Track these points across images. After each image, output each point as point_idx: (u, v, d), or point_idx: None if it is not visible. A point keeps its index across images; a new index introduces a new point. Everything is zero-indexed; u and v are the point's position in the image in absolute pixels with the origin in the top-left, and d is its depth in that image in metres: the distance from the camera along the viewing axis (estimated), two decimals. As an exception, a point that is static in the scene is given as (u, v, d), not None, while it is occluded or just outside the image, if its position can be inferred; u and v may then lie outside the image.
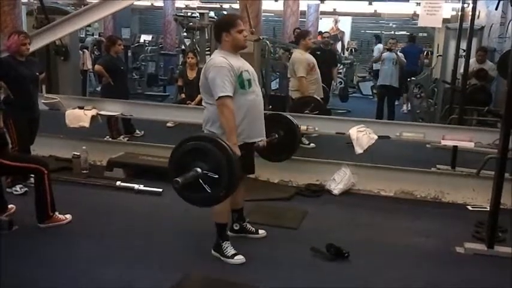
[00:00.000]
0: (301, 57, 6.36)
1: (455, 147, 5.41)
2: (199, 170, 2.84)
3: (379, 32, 17.25)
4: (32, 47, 4.73)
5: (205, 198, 2.92)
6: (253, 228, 3.82)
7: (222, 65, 3.18)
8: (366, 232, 4.09)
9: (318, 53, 9.08)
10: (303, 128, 5.17)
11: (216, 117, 3.23)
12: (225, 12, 16.02)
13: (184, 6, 16.34)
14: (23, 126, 4.51)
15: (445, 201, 4.89)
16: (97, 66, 6.90)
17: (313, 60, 6.52)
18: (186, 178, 2.79)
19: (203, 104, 3.37)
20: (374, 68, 11.64)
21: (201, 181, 2.82)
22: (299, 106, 5.80)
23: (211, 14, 11.32)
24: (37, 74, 4.66)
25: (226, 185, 2.87)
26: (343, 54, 14.34)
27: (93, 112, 5.50)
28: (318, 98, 6.11)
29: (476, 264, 3.57)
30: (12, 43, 4.40)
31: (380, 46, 12.75)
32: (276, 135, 3.99)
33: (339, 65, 11.29)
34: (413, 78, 9.74)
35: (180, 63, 10.88)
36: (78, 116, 5.46)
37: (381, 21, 19.47)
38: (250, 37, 7.67)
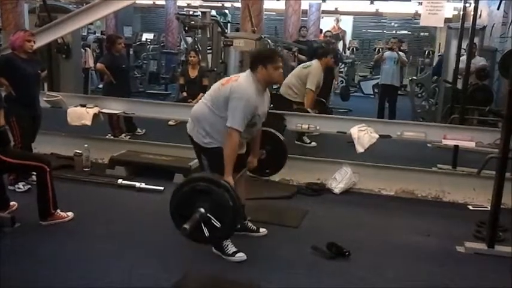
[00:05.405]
0: (319, 71, 6.25)
1: (456, 146, 5.41)
2: (202, 210, 2.81)
3: (380, 31, 17.22)
4: (35, 45, 4.75)
5: (214, 237, 2.90)
6: (254, 227, 3.84)
7: (250, 101, 3.24)
8: (367, 231, 4.10)
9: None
10: (304, 126, 5.19)
11: (215, 129, 3.31)
12: (226, 11, 16.06)
13: (186, 4, 16.33)
14: (25, 124, 4.52)
15: (446, 201, 4.91)
16: (99, 65, 6.90)
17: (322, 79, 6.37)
18: (192, 223, 2.75)
19: (204, 104, 3.40)
20: None
21: (202, 225, 2.79)
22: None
23: (213, 12, 11.33)
24: (39, 71, 4.68)
25: (231, 223, 2.88)
26: (345, 53, 14.33)
27: (95, 110, 5.50)
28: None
29: (477, 263, 3.58)
30: (18, 38, 4.42)
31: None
32: (264, 152, 3.95)
33: (340, 64, 11.29)
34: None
35: (182, 62, 10.90)
36: (80, 114, 5.47)
37: (382, 21, 19.47)
38: (251, 36, 7.74)
